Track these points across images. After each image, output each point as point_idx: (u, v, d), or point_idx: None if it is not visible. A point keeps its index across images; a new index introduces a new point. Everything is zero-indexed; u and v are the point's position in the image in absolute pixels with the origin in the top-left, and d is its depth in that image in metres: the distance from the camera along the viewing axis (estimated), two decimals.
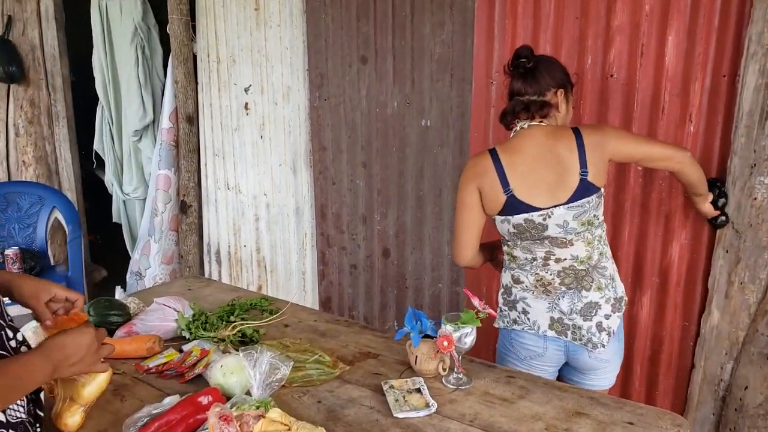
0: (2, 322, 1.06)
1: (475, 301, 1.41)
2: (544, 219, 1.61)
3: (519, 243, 1.68)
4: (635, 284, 2.18)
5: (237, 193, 3.26)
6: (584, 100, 2.13)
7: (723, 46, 1.89)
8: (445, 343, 1.36)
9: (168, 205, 3.45)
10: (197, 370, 1.43)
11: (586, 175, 1.60)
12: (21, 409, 1.04)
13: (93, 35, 3.61)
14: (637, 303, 2.19)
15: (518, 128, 1.66)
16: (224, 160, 3.28)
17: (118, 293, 1.81)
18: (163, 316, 1.66)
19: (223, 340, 1.53)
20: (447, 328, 1.38)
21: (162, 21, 3.43)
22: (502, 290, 1.78)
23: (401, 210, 2.71)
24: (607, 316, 1.68)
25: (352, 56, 2.70)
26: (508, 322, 1.76)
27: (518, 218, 1.63)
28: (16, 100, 4.11)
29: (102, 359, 1.13)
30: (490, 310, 1.40)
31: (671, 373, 2.18)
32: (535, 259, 1.67)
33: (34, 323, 1.38)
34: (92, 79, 3.73)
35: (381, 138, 2.69)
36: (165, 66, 3.45)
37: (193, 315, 1.69)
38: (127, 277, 3.62)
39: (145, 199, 3.64)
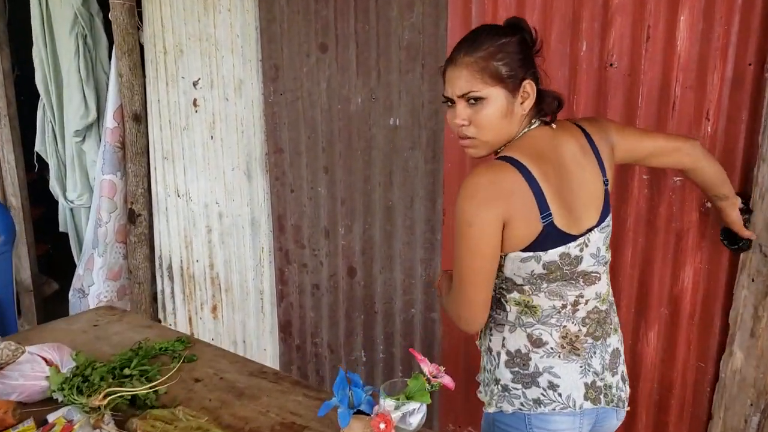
0: None
1: (426, 367, 1.03)
2: (581, 250, 1.19)
3: (544, 287, 1.21)
4: (639, 316, 1.81)
5: (188, 201, 2.88)
6: (578, 94, 1.76)
7: (748, 27, 1.52)
8: (382, 426, 0.99)
9: (113, 214, 3.08)
10: None
11: (608, 184, 1.25)
12: None
13: (32, 24, 3.23)
14: (642, 338, 1.82)
15: (525, 129, 1.23)
16: (174, 163, 2.90)
17: None
18: (31, 372, 1.29)
19: (97, 410, 1.16)
20: (386, 403, 1.01)
21: (107, 7, 3.04)
22: (507, 360, 1.26)
23: (368, 222, 2.34)
24: (623, 361, 1.32)
25: (310, 44, 2.32)
26: (524, 405, 1.25)
27: (553, 254, 1.17)
28: None
29: None
30: (446, 379, 1.03)
31: (683, 423, 1.81)
32: (564, 306, 1.22)
33: None
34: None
35: (344, 139, 2.32)
36: (111, 58, 3.07)
37: (74, 369, 1.31)
38: (70, 294, 3.24)
39: (90, 207, 3.26)
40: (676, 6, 1.59)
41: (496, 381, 1.28)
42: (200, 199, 2.82)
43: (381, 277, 2.36)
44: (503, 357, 1.27)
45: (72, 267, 3.43)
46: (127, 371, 1.34)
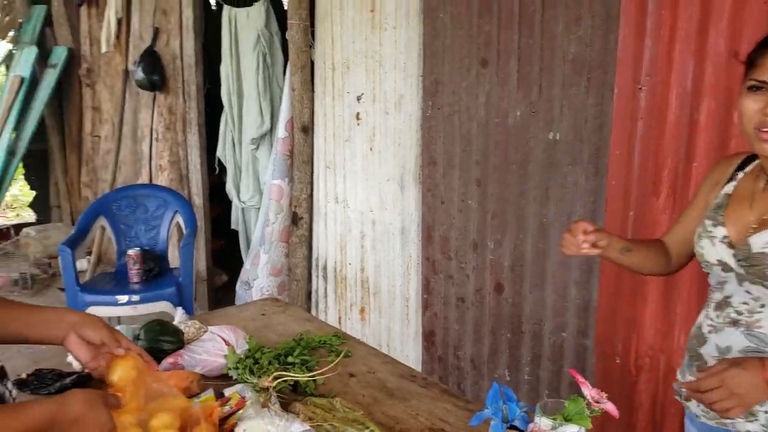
0: None
1: (587, 390, 1.00)
2: None
3: None
4: None
5: (345, 208, 3.05)
6: None
7: None
8: None
9: (279, 216, 3.35)
10: (226, 427, 1.18)
11: None
12: None
13: (222, 44, 3.64)
14: None
15: None
16: (335, 172, 3.09)
17: (179, 315, 1.64)
18: (212, 349, 1.45)
19: (266, 390, 1.28)
20: (543, 422, 0.99)
21: (285, 27, 3.34)
22: None
23: (520, 238, 2.31)
24: None
25: (472, 59, 2.35)
26: None
27: None
28: (157, 107, 4.31)
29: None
30: (609, 406, 0.98)
31: None
32: None
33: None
34: None
35: (499, 152, 2.32)
36: (285, 74, 3.36)
37: (247, 351, 1.46)
38: (237, 286, 3.58)
39: (259, 209, 3.58)
40: None
41: None
42: (356, 206, 2.98)
43: (530, 296, 2.30)
44: None
45: (239, 261, 3.79)
46: (290, 359, 1.46)
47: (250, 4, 3.59)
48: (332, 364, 1.35)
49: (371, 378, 1.47)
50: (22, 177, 6.19)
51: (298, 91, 3.18)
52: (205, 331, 1.59)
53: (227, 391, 1.34)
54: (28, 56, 5.35)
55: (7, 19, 5.77)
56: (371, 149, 2.84)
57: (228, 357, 1.42)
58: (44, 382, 1.31)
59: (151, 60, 4.12)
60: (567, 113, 2.09)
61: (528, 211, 2.26)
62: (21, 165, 5.49)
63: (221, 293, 4.30)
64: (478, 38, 2.32)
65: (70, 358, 1.42)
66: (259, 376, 1.33)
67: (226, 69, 3.66)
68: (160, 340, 1.49)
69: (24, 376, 1.33)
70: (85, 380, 1.35)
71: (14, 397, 0.94)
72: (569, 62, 2.06)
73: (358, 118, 2.90)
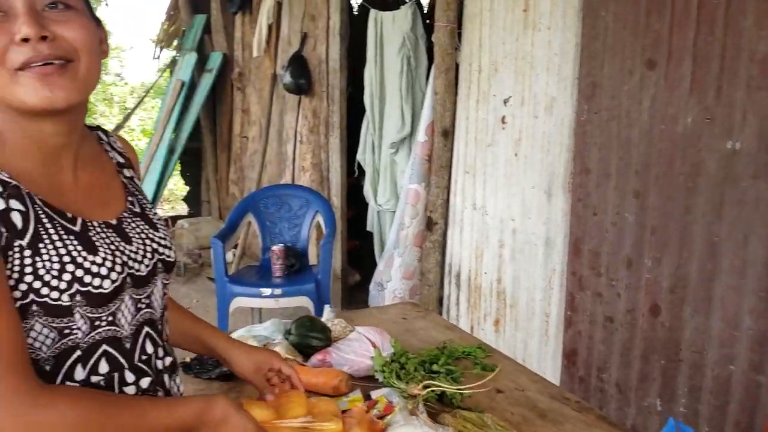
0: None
1: None
2: None
3: None
4: None
5: (483, 215, 2.96)
6: None
7: None
8: None
9: (414, 220, 3.34)
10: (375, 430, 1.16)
11: None
12: None
13: (367, 47, 3.71)
14: None
15: None
16: (474, 177, 3.01)
17: (326, 313, 1.66)
18: (359, 350, 1.44)
19: (414, 397, 1.24)
20: None
21: (430, 30, 3.33)
22: None
23: (683, 257, 2.08)
24: None
25: (635, 60, 2.17)
26: None
27: None
28: (302, 110, 4.50)
29: None
30: None
31: None
32: None
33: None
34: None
35: (664, 162, 2.11)
36: (428, 77, 3.35)
37: (393, 355, 1.43)
38: (371, 286, 3.62)
39: (395, 212, 3.59)
40: None
41: None
42: (496, 213, 2.88)
43: (692, 321, 2.07)
44: None
45: (372, 263, 3.83)
46: (435, 367, 1.41)
47: (397, 8, 3.63)
48: (485, 380, 1.29)
49: (520, 396, 1.38)
50: (178, 173, 6.78)
51: (441, 94, 3.15)
52: (350, 330, 1.59)
53: (374, 394, 1.32)
54: (188, 62, 5.85)
55: (172, 28, 6.36)
56: (516, 154, 2.73)
57: (375, 359, 1.40)
58: (205, 367, 1.38)
59: (299, 64, 4.31)
60: (751, 120, 1.85)
61: (694, 229, 2.04)
62: (178, 162, 6.01)
63: (354, 292, 4.39)
64: (645, 38, 2.14)
65: None
66: (407, 382, 1.30)
67: (369, 72, 3.72)
68: (310, 336, 1.51)
69: (188, 360, 1.41)
70: None
71: (181, 392, 0.97)
72: (757, 62, 1.82)
73: (503, 122, 2.80)
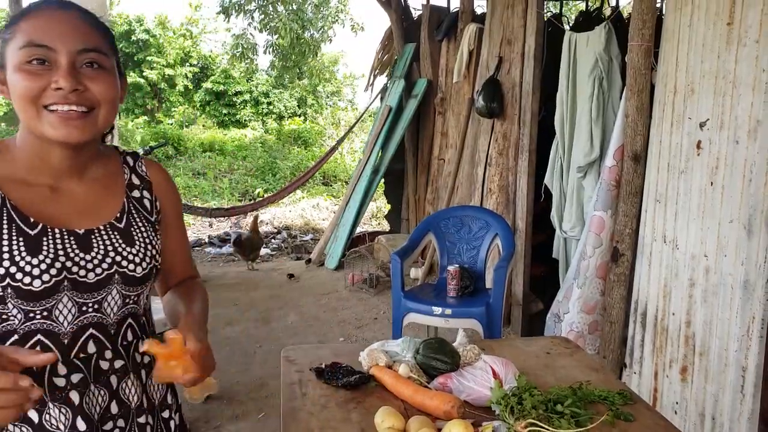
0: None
1: None
2: None
3: None
4: None
5: (673, 249, 2.67)
6: None
7: None
8: None
9: (598, 250, 3.14)
10: None
11: None
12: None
13: (560, 69, 3.61)
14: None
15: None
16: (665, 207, 2.73)
17: (460, 337, 1.69)
18: (480, 379, 1.44)
19: None
20: None
21: (625, 50, 3.12)
22: None
23: None
24: None
25: None
26: None
27: None
28: (494, 133, 4.53)
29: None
30: None
31: None
32: None
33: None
34: None
35: None
36: (621, 99, 3.14)
37: (515, 389, 1.40)
38: (547, 317, 3.48)
39: (579, 239, 3.41)
40: None
41: None
42: (687, 248, 2.57)
43: None
44: None
45: (557, 291, 3.68)
46: (559, 407, 1.35)
47: (591, 28, 3.47)
48: (597, 421, 1.19)
49: None
50: (383, 192, 7.28)
51: (632, 116, 2.93)
52: (479, 359, 1.59)
53: (485, 424, 1.32)
54: (397, 88, 6.28)
55: (386, 57, 6.89)
56: (712, 183, 2.42)
57: (494, 390, 1.39)
58: (336, 375, 1.51)
59: (492, 88, 4.35)
60: None
61: None
62: (383, 181, 6.46)
63: (536, 320, 4.25)
64: None
65: (360, 357, 1.60)
66: (518, 418, 1.27)
67: (561, 95, 3.61)
68: (435, 358, 1.55)
69: (323, 365, 1.55)
70: (367, 380, 1.50)
71: (138, 396, 1.13)
72: None
73: (698, 147, 2.51)
